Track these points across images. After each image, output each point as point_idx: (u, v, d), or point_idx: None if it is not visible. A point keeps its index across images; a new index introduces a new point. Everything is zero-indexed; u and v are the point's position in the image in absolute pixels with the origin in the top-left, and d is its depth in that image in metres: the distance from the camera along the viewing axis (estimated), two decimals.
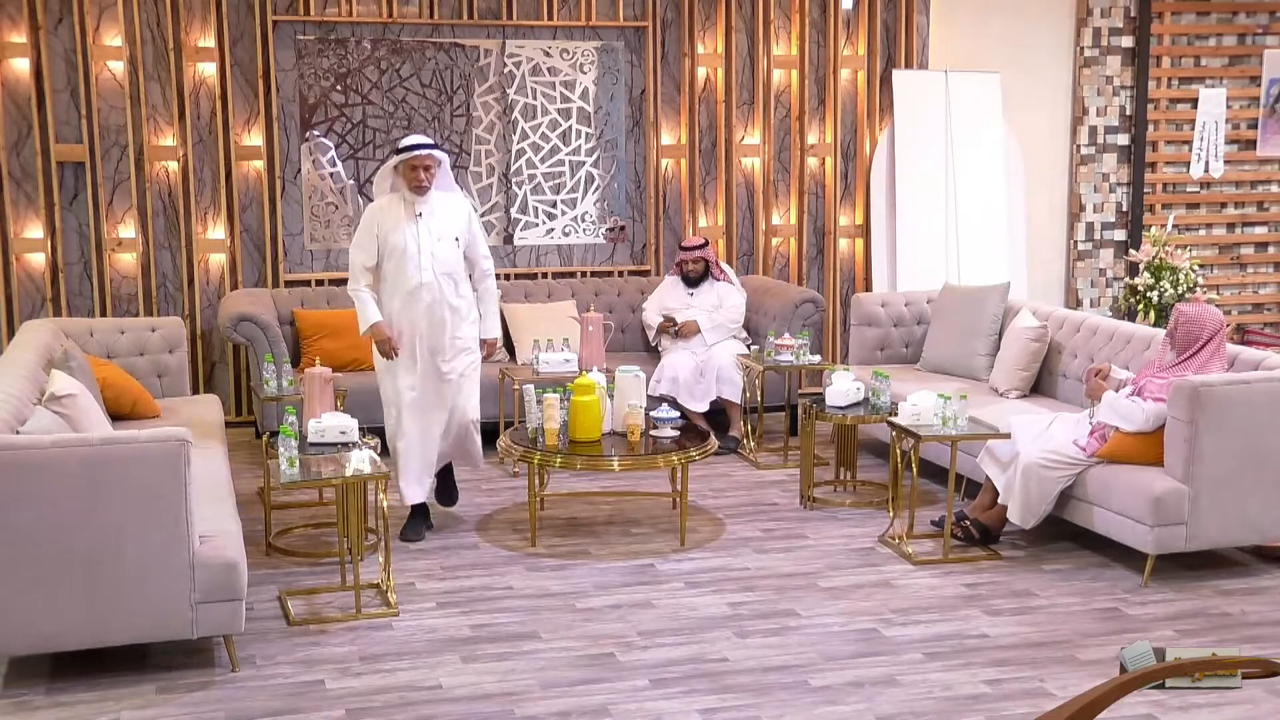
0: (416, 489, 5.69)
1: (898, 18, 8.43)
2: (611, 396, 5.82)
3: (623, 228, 8.29)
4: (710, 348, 7.32)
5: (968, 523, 5.58)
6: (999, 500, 5.58)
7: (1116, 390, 5.42)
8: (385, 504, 4.91)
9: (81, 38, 7.18)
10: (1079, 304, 9.11)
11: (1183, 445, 5.04)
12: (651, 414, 5.84)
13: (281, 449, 4.79)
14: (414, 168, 5.43)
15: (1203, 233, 9.32)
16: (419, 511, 5.79)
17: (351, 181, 7.80)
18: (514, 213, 8.07)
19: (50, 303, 7.34)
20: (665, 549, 5.58)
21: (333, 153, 7.75)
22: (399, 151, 5.45)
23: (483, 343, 5.75)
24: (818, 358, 7.06)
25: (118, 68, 7.30)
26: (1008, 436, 5.50)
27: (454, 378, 5.61)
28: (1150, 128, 9.07)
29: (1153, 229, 8.85)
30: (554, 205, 8.16)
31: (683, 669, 4.33)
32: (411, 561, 5.38)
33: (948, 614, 4.83)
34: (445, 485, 6.00)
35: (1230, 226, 9.38)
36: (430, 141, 5.48)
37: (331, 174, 7.79)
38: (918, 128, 8.39)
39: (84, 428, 4.49)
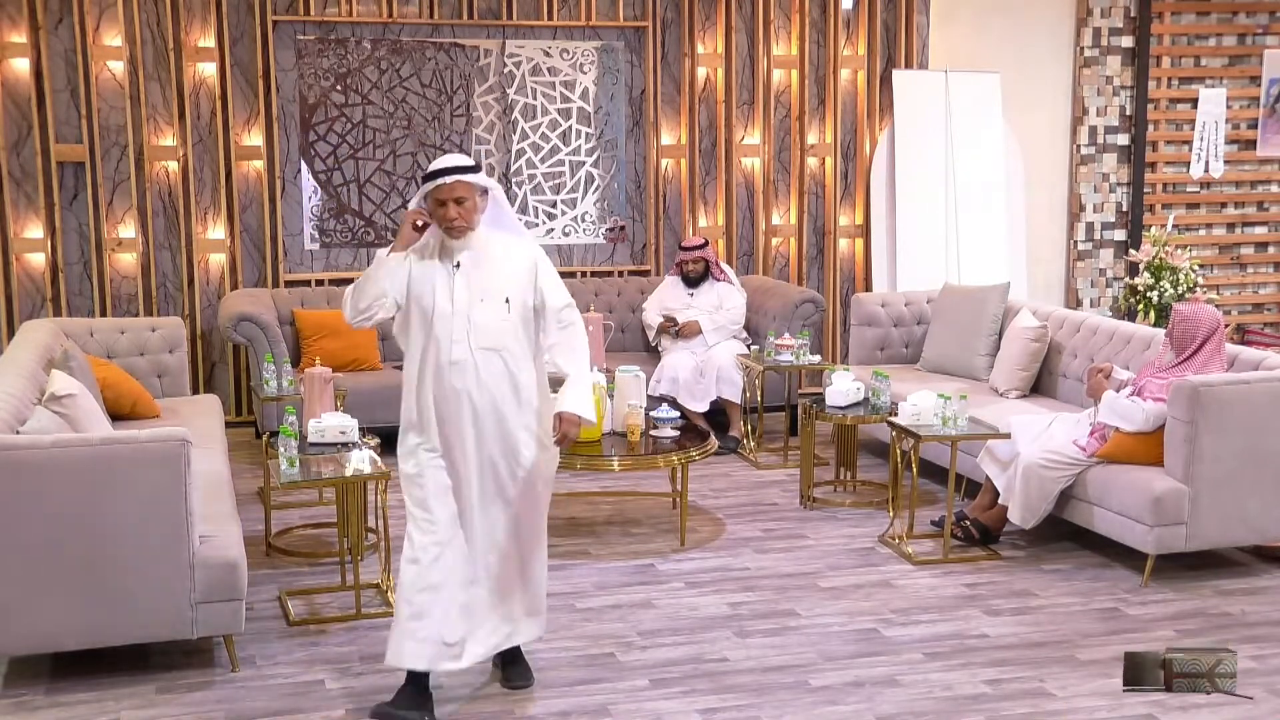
0: (413, 645, 3.85)
1: (898, 18, 8.43)
2: (611, 396, 5.82)
3: (622, 228, 8.29)
4: (710, 348, 7.32)
5: (968, 523, 5.58)
6: (999, 500, 5.58)
7: (1117, 390, 5.42)
8: (385, 504, 4.91)
9: (81, 38, 7.18)
10: (1079, 304, 9.11)
11: (1183, 445, 5.04)
12: (651, 414, 5.84)
13: (281, 449, 4.79)
14: (441, 202, 3.83)
15: (1203, 233, 9.32)
16: (413, 683, 3.93)
17: (353, 182, 7.80)
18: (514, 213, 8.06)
19: (50, 303, 7.34)
20: (665, 549, 5.58)
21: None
22: (425, 179, 3.90)
23: (557, 419, 3.97)
24: (818, 358, 7.06)
25: (118, 68, 7.30)
26: (1008, 436, 5.50)
27: (503, 493, 3.95)
28: (1150, 128, 9.07)
29: (1153, 229, 8.85)
30: (554, 205, 8.16)
31: (683, 669, 4.33)
32: None
33: (948, 614, 4.83)
34: (511, 653, 4.18)
35: (1230, 226, 9.38)
36: (462, 163, 3.87)
37: (332, 174, 7.79)
38: (918, 128, 8.40)
39: (84, 428, 4.49)
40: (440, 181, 3.82)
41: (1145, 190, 9.12)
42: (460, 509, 3.93)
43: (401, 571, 3.89)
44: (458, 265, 3.91)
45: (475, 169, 3.88)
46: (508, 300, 3.92)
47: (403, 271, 3.92)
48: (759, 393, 7.09)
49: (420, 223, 3.90)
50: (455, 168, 3.85)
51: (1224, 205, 9.37)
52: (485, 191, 3.92)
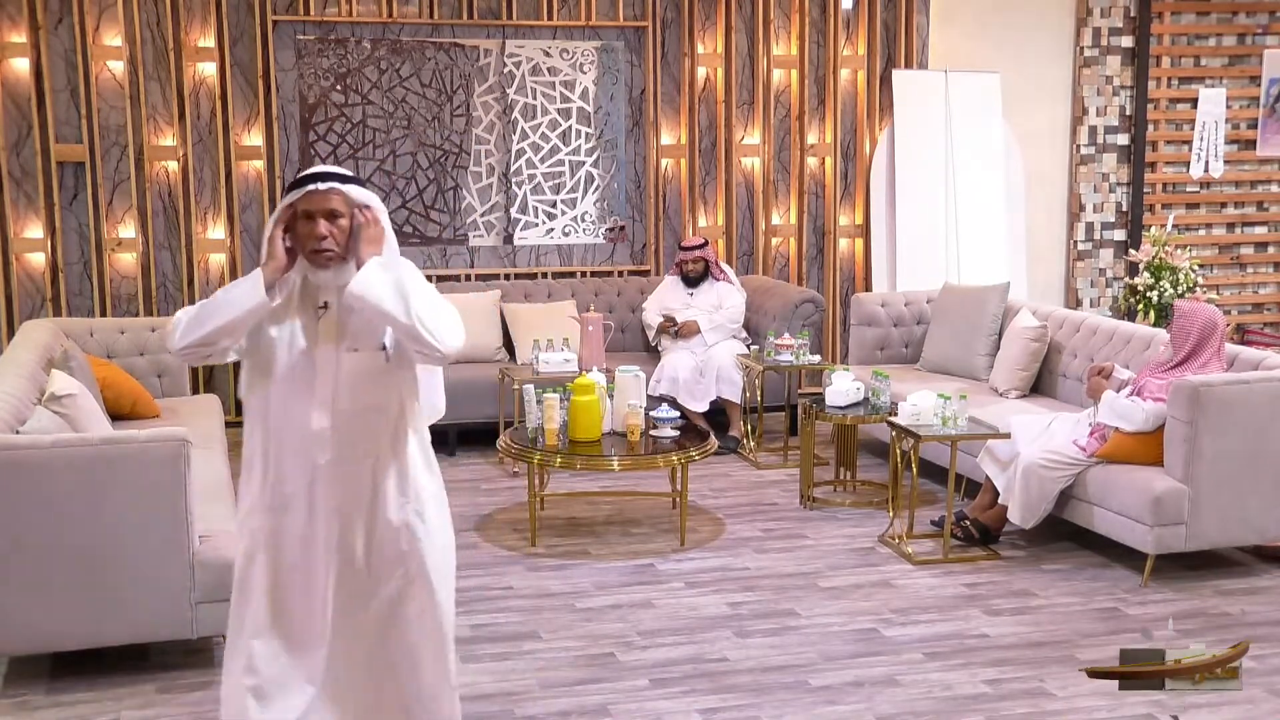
0: None
1: (898, 18, 8.42)
2: (611, 396, 5.82)
3: (622, 228, 8.29)
4: (710, 348, 7.32)
5: (968, 523, 5.58)
6: (999, 500, 5.58)
7: (1118, 390, 5.42)
8: None
9: (81, 38, 7.18)
10: (1079, 304, 9.11)
11: (1183, 445, 5.04)
12: (651, 414, 5.84)
13: None
14: (309, 216, 2.99)
15: (1203, 233, 9.32)
16: None
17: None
18: (514, 213, 8.07)
19: (50, 303, 7.34)
20: (665, 549, 5.58)
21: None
22: (289, 188, 3.07)
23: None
24: (818, 358, 7.06)
25: (118, 68, 7.30)
26: (1008, 436, 5.50)
27: (378, 621, 3.12)
28: (1150, 128, 9.07)
29: (1153, 229, 8.85)
30: (554, 205, 8.16)
31: (683, 669, 4.33)
32: None
33: (948, 614, 4.83)
34: None
35: (1230, 226, 9.38)
36: (338, 170, 3.09)
37: None
38: (918, 128, 8.39)
39: (84, 428, 4.49)
40: (312, 188, 2.99)
41: (1145, 190, 9.12)
42: (313, 633, 3.09)
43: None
44: (324, 306, 3.04)
45: (358, 181, 3.08)
46: (385, 346, 3.05)
47: (258, 311, 2.98)
48: (759, 393, 7.08)
49: (286, 244, 3.02)
50: (333, 174, 3.04)
51: (1224, 205, 9.37)
52: (370, 210, 3.06)
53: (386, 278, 2.95)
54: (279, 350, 3.04)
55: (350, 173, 3.14)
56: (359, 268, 2.98)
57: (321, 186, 3.01)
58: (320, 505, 3.07)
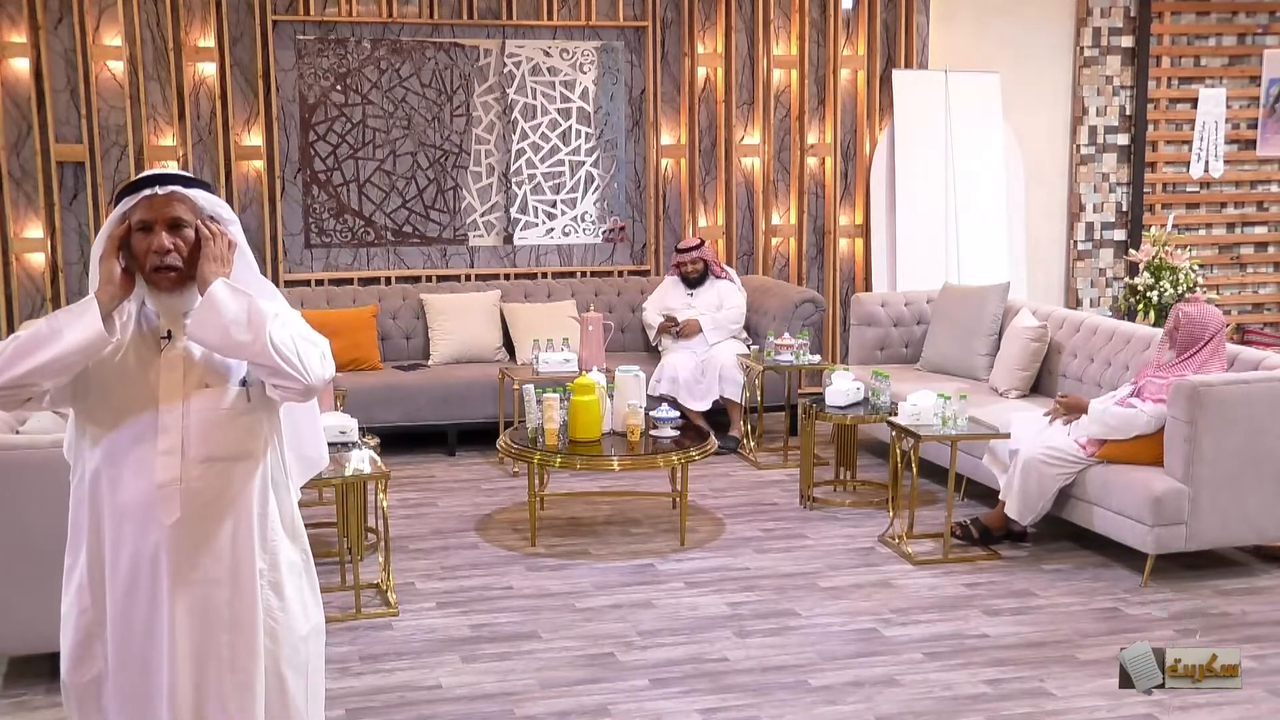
0: None
1: (898, 18, 8.42)
2: (611, 396, 5.82)
3: (622, 228, 8.28)
4: (711, 347, 7.32)
5: (968, 522, 5.58)
6: (999, 497, 5.58)
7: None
8: (385, 504, 4.91)
9: (81, 38, 7.18)
10: (1079, 304, 9.11)
11: (1183, 445, 5.04)
12: (651, 414, 5.84)
13: None
14: (146, 227, 2.54)
15: (1203, 233, 9.32)
16: None
17: (353, 182, 7.80)
18: (514, 212, 8.07)
19: (50, 303, 7.34)
20: (665, 549, 5.58)
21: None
22: (120, 195, 2.59)
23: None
24: (818, 358, 7.06)
25: (118, 68, 7.30)
26: (1007, 436, 5.50)
27: (230, 684, 2.62)
28: (1150, 128, 9.07)
29: (1153, 229, 8.85)
30: (554, 205, 8.16)
31: (683, 669, 4.33)
32: (411, 561, 5.38)
33: (948, 614, 4.83)
34: None
35: (1230, 226, 9.38)
36: (180, 172, 2.72)
37: (332, 174, 7.79)
38: (918, 128, 8.39)
39: None
40: (150, 192, 2.55)
41: (1145, 190, 9.12)
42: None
43: None
44: (167, 336, 2.59)
45: (205, 186, 2.62)
46: (245, 382, 2.61)
47: (95, 346, 2.48)
48: (759, 393, 7.08)
49: (122, 264, 2.55)
50: (173, 175, 2.59)
51: (1224, 205, 9.37)
52: (222, 224, 2.62)
53: (236, 303, 2.49)
54: (112, 391, 2.55)
55: (193, 175, 2.68)
56: (202, 292, 2.52)
57: (161, 190, 2.54)
58: (168, 579, 2.55)
